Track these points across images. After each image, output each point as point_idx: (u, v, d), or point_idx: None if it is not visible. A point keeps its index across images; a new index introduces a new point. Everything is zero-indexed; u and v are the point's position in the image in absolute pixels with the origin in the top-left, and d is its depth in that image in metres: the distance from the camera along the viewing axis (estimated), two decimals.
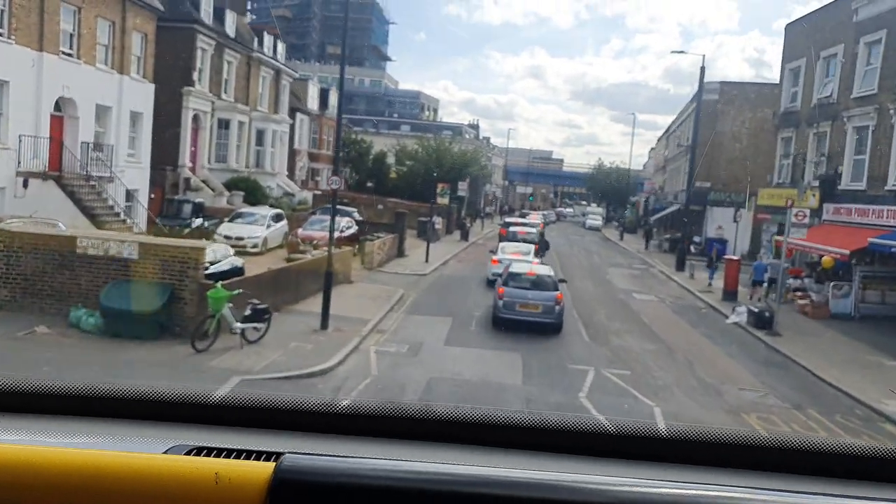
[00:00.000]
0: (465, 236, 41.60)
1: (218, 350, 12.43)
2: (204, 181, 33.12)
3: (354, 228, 28.21)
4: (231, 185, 34.19)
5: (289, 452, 0.86)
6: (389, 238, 27.95)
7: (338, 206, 39.00)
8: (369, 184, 54.18)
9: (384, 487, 0.80)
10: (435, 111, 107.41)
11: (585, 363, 14.29)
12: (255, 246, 25.24)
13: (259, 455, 1.07)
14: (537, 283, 16.66)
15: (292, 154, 45.91)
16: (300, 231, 25.36)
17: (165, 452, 1.10)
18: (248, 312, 12.85)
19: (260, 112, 39.20)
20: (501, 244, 25.40)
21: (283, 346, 13.43)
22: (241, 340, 12.87)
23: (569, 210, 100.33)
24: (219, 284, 12.42)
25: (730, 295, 24.91)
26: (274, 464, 0.84)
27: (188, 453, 1.11)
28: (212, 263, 15.23)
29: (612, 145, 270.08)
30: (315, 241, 25.16)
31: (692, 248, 44.14)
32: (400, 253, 29.18)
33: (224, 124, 35.14)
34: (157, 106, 30.13)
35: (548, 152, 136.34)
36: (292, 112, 45.30)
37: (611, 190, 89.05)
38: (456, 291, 22.33)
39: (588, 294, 23.46)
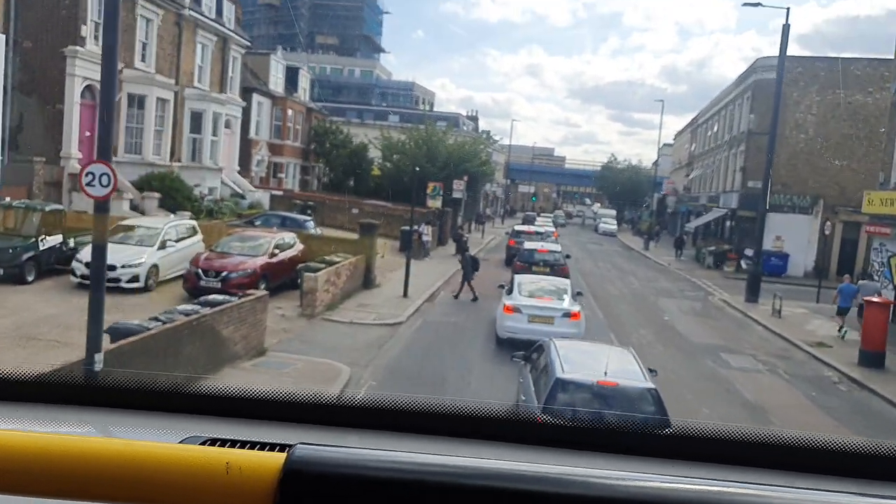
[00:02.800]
0: (461, 250, 32.49)
1: None
2: None
3: (297, 249, 19.04)
4: (144, 184, 25.16)
5: (300, 444, 0.86)
6: (350, 262, 18.94)
7: (289, 215, 30.04)
8: (350, 182, 45.05)
9: (394, 479, 0.82)
10: (431, 105, 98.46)
11: None
12: (133, 279, 16.10)
13: (272, 447, 1.13)
14: (617, 402, 7.66)
15: (247, 145, 36.91)
16: (202, 257, 16.36)
17: (180, 443, 1.13)
18: None
19: (197, 89, 30.12)
20: (517, 279, 16.13)
21: None
22: None
23: (578, 210, 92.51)
24: None
25: (873, 358, 15.98)
26: (285, 454, 0.85)
27: (202, 444, 1.16)
28: None
29: (609, 144, 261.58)
30: (226, 272, 16.10)
31: (742, 264, 35.52)
32: (367, 283, 20.17)
33: (137, 102, 26.04)
34: (25, 71, 21.30)
35: (549, 149, 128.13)
36: (247, 93, 36.33)
37: (624, 190, 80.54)
38: (445, 366, 13.30)
39: (659, 361, 14.38)
